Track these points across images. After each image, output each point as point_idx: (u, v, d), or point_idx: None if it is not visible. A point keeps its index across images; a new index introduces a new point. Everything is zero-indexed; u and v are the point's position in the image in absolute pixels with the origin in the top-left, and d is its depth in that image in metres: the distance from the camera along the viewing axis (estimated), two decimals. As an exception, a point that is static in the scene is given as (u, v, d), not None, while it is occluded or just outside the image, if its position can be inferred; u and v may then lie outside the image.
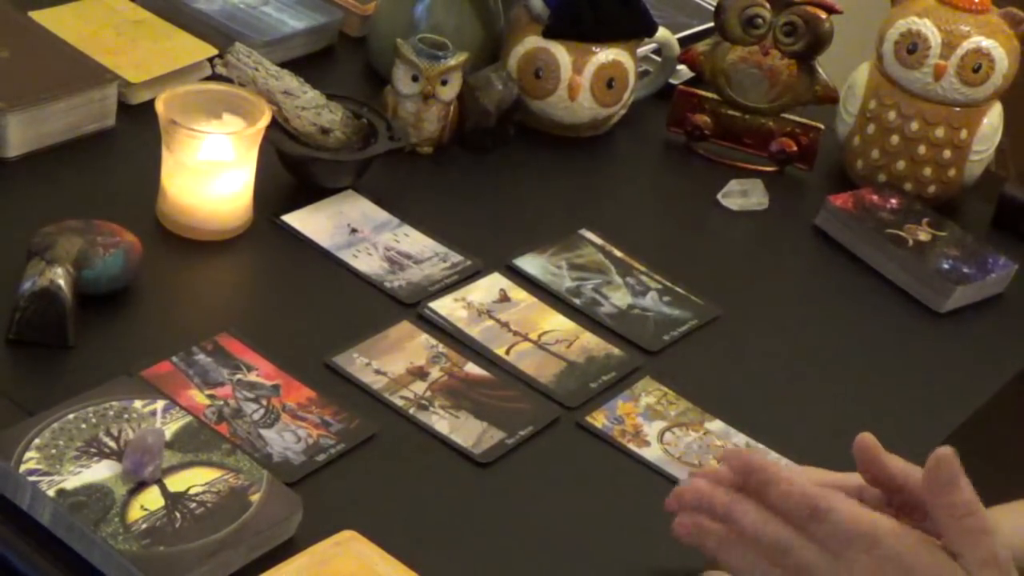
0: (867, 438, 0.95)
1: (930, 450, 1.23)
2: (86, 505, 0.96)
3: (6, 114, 1.28)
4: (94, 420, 1.02)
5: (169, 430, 1.03)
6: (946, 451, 0.89)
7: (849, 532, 0.89)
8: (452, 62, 1.41)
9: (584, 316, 1.28)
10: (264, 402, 1.11)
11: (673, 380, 1.23)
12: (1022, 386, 1.34)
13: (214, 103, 1.27)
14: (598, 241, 1.38)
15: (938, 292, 1.39)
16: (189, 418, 1.05)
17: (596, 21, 1.48)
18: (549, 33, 1.48)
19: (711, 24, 1.56)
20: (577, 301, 1.29)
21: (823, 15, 1.49)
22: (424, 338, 1.21)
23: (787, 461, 1.17)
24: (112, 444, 1.01)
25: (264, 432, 1.08)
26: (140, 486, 0.99)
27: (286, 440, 1.08)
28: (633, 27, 1.51)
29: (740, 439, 1.19)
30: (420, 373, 1.18)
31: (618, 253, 1.37)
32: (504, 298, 1.28)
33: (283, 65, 1.35)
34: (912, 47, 1.47)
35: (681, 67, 1.61)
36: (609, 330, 1.27)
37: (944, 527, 0.88)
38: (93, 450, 1.00)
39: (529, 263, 1.33)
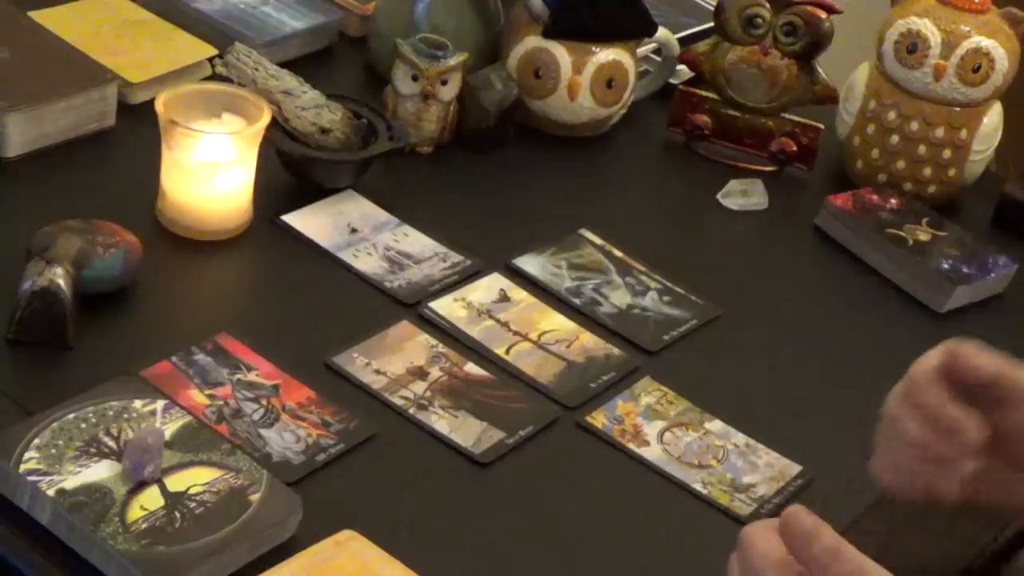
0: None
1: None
2: (86, 505, 0.96)
3: (6, 114, 1.28)
4: (94, 420, 1.02)
5: (169, 430, 1.03)
6: (795, 508, 0.88)
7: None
8: (452, 62, 1.41)
9: (584, 316, 1.28)
10: (264, 402, 1.11)
11: (673, 380, 1.23)
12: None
13: (214, 103, 1.27)
14: (598, 241, 1.38)
15: (938, 292, 1.39)
16: (189, 418, 1.05)
17: (596, 21, 1.48)
18: (549, 33, 1.48)
19: (711, 24, 1.56)
20: (577, 301, 1.29)
21: (823, 15, 1.49)
22: (424, 338, 1.21)
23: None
24: (112, 444, 1.01)
25: (264, 432, 1.08)
26: (140, 486, 0.99)
27: (286, 440, 1.08)
28: (633, 27, 1.51)
29: (740, 439, 1.19)
30: (420, 373, 1.18)
31: (618, 253, 1.37)
32: (504, 298, 1.28)
33: (283, 65, 1.35)
34: (912, 47, 1.47)
35: (681, 67, 1.61)
36: (609, 330, 1.27)
37: None
38: (93, 450, 1.00)
39: (529, 263, 1.33)
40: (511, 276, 1.31)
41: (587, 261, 1.35)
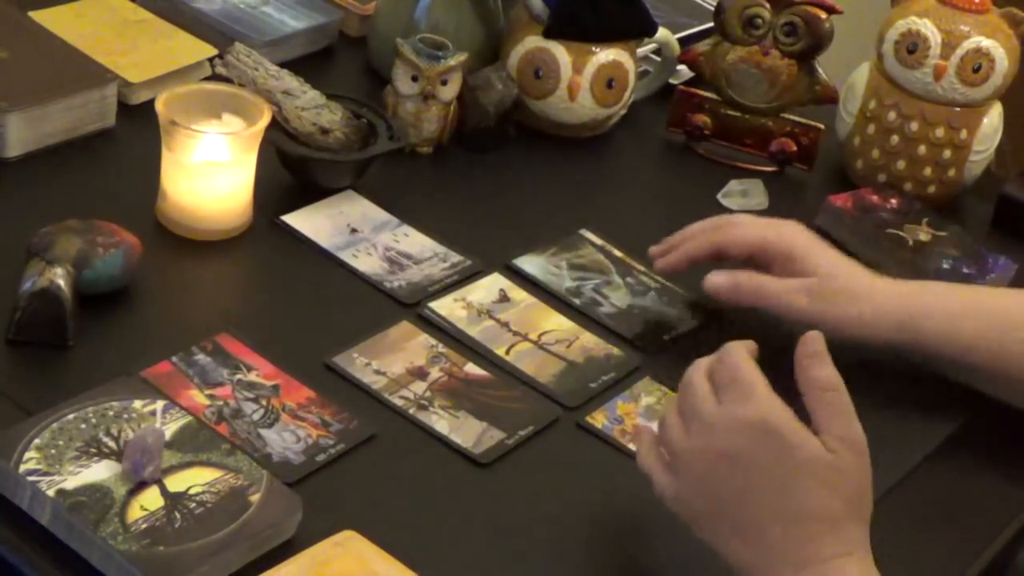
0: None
1: (929, 451, 1.24)
2: (86, 505, 0.96)
3: (6, 114, 1.28)
4: (94, 420, 1.02)
5: (169, 430, 1.03)
6: (814, 332, 1.01)
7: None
8: (452, 62, 1.41)
9: (584, 316, 1.28)
10: (264, 402, 1.11)
11: (673, 380, 1.22)
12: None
13: (214, 103, 1.27)
14: (598, 241, 1.38)
15: (938, 292, 1.39)
16: (189, 418, 1.05)
17: (596, 21, 1.48)
18: (549, 33, 1.48)
19: (711, 24, 1.56)
20: (577, 301, 1.29)
21: (823, 15, 1.49)
22: (424, 338, 1.21)
23: None
24: (112, 444, 1.01)
25: (264, 432, 1.08)
26: (140, 486, 0.99)
27: (286, 440, 1.08)
28: (633, 27, 1.51)
29: (740, 439, 1.19)
30: (420, 373, 1.18)
31: (618, 253, 1.37)
32: (504, 298, 1.28)
33: (283, 65, 1.35)
34: (912, 47, 1.47)
35: (681, 67, 1.61)
36: (609, 330, 1.27)
37: (809, 400, 0.99)
38: (93, 450, 1.00)
39: (529, 263, 1.33)
40: (511, 276, 1.31)
41: (587, 261, 1.35)
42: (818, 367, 0.99)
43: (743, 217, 1.31)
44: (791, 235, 1.26)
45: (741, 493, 0.97)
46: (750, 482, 0.97)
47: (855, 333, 1.22)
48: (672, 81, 1.62)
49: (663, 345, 1.27)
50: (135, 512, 0.97)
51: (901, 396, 1.29)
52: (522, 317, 1.26)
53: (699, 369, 1.04)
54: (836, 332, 1.18)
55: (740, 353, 1.02)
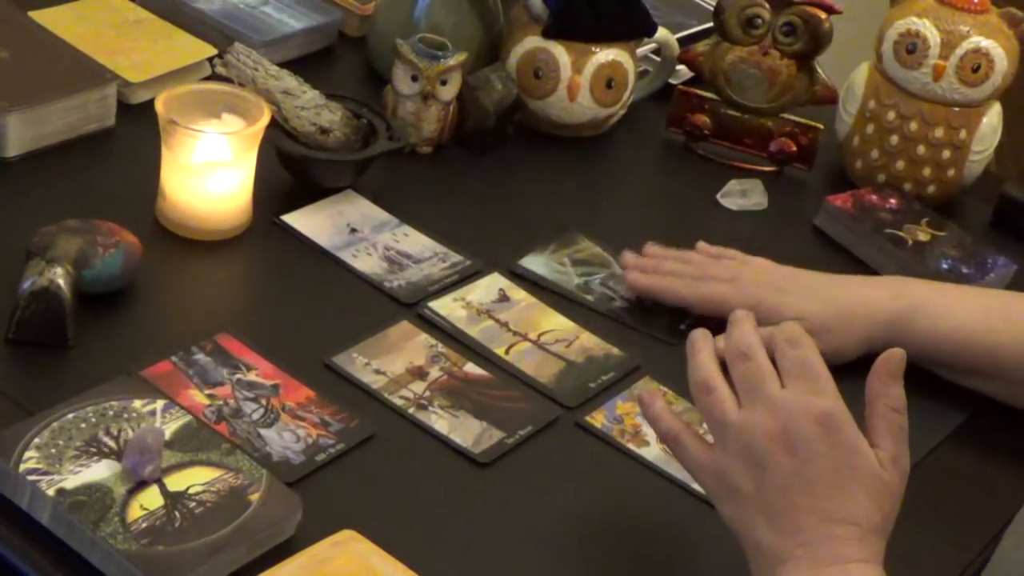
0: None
1: (929, 450, 1.24)
2: (86, 505, 0.96)
3: (6, 114, 1.28)
4: (94, 420, 1.03)
5: (168, 430, 1.03)
6: (900, 351, 1.01)
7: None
8: (452, 62, 1.41)
9: (586, 315, 1.28)
10: (264, 402, 1.11)
11: (672, 380, 1.23)
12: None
13: (214, 103, 1.27)
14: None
15: (938, 292, 1.39)
16: (188, 418, 1.06)
17: (596, 21, 1.48)
18: (549, 33, 1.48)
19: (711, 24, 1.56)
20: (590, 298, 1.30)
21: (823, 15, 1.49)
22: (424, 338, 1.21)
23: None
24: (112, 444, 1.01)
25: (263, 432, 1.08)
26: (140, 486, 0.99)
27: (285, 440, 1.08)
28: (633, 27, 1.51)
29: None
30: (420, 373, 1.18)
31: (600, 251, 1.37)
32: (504, 298, 1.28)
33: (283, 65, 1.35)
34: (911, 47, 1.48)
35: (681, 67, 1.61)
36: (623, 324, 1.27)
37: (877, 414, 1.00)
38: (93, 450, 1.00)
39: (534, 263, 1.32)
40: (514, 278, 1.31)
41: (588, 255, 1.35)
42: (893, 385, 1.00)
43: (710, 286, 1.28)
44: (751, 303, 1.20)
45: (789, 479, 0.97)
46: (801, 471, 0.97)
47: (844, 360, 1.22)
48: (672, 81, 1.62)
49: (680, 334, 1.27)
50: (135, 511, 0.97)
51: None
52: (522, 317, 1.26)
53: (757, 346, 1.02)
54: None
55: (811, 344, 1.02)
